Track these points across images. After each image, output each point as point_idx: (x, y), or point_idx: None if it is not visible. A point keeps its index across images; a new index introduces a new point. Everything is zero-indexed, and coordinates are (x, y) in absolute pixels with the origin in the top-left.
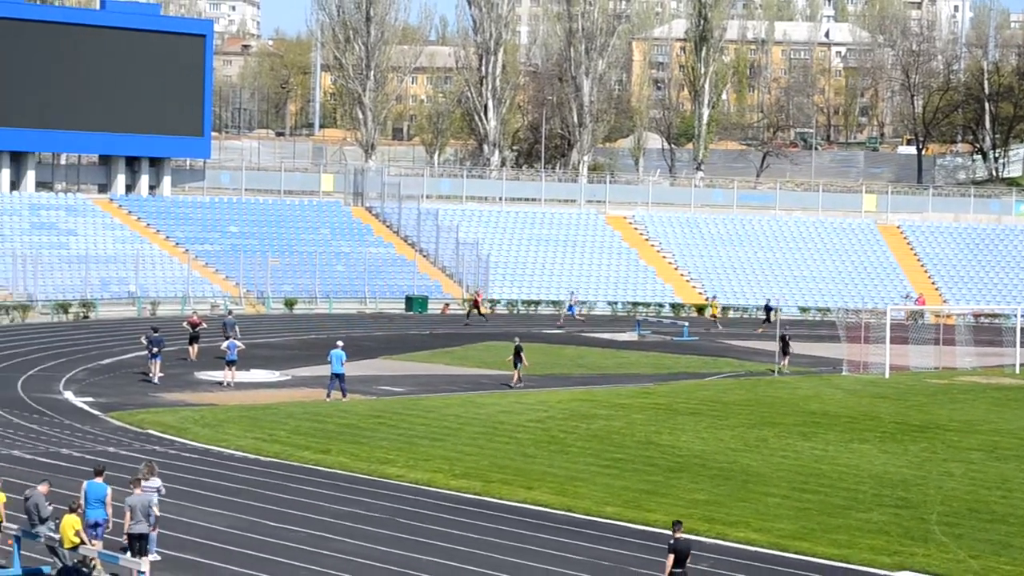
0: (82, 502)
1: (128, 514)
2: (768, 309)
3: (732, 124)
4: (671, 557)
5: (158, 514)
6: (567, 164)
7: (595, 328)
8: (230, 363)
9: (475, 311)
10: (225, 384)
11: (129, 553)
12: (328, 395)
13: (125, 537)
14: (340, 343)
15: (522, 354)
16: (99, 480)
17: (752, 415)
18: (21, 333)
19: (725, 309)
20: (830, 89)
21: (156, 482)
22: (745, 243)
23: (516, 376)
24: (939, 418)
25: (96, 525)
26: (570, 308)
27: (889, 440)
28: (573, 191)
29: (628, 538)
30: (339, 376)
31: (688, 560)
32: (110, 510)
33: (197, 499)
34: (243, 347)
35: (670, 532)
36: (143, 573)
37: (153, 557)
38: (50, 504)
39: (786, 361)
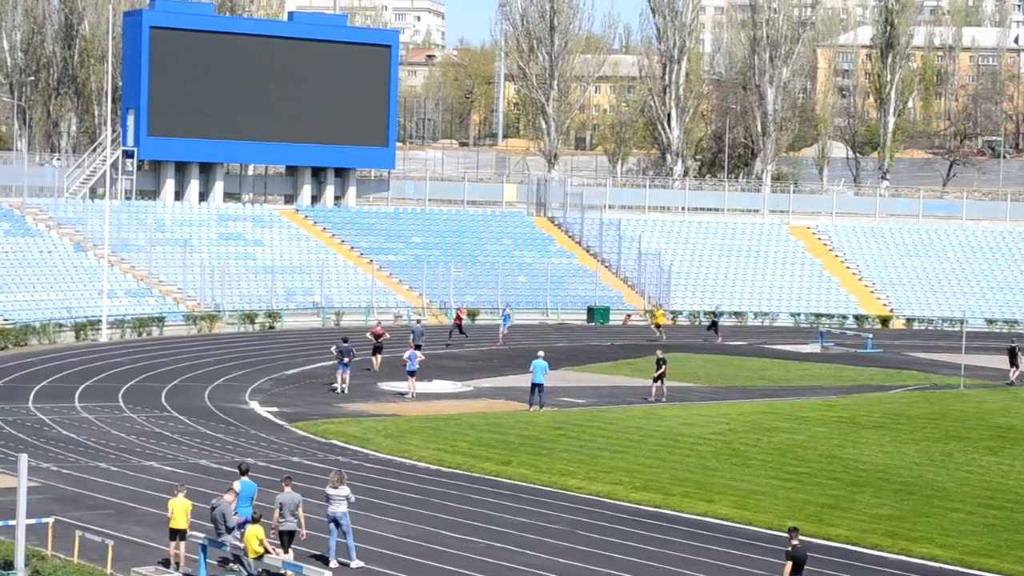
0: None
1: (277, 512)
2: (715, 317)
3: (918, 132)
4: (789, 564)
5: (349, 523)
6: (750, 173)
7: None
8: (411, 374)
9: (456, 329)
10: (408, 396)
11: (280, 550)
12: (530, 406)
13: (274, 533)
14: (541, 353)
15: (664, 368)
16: (247, 479)
17: (937, 429)
18: (208, 343)
19: (909, 320)
20: (1019, 96)
21: (345, 490)
22: (931, 253)
23: (656, 390)
24: None
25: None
26: (505, 321)
27: None
28: (756, 201)
29: (811, 553)
30: (539, 386)
31: (805, 566)
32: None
33: (379, 509)
34: (423, 358)
35: (787, 536)
36: None
37: (356, 564)
38: (236, 513)
39: (1015, 373)
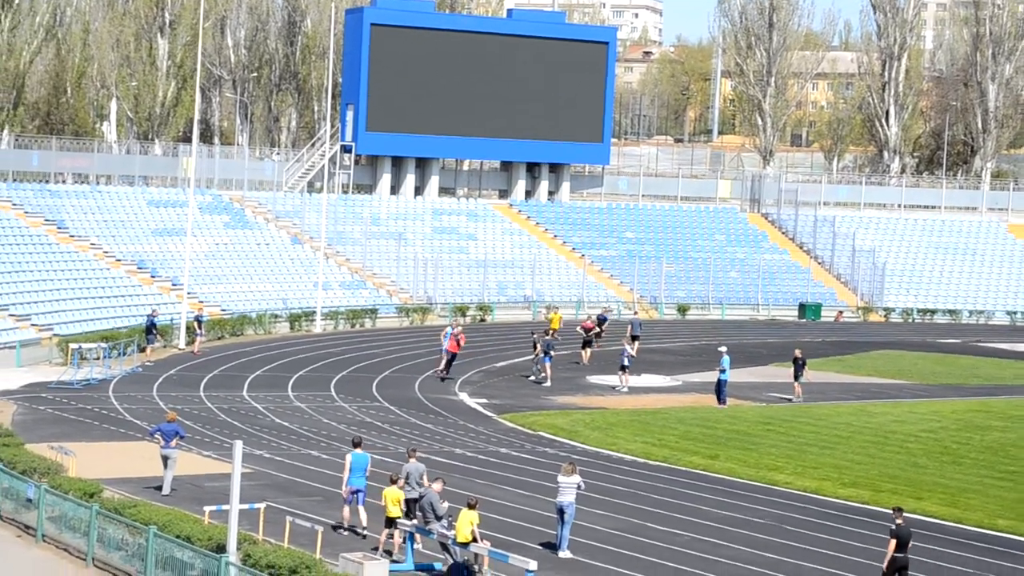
0: (347, 472)
1: (403, 480)
2: (601, 320)
3: None
4: (893, 542)
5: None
6: (968, 171)
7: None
8: (624, 368)
9: (451, 360)
10: (621, 389)
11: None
12: (723, 402)
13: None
14: (724, 348)
15: (805, 367)
16: (359, 451)
17: None
18: (420, 335)
19: None
20: None
21: (576, 478)
22: None
23: (797, 390)
24: None
25: (357, 492)
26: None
27: None
28: (974, 199)
29: (1021, 552)
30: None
31: (909, 545)
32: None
33: (585, 501)
34: (633, 353)
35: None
36: (532, 572)
37: (564, 555)
38: (444, 502)
39: None
